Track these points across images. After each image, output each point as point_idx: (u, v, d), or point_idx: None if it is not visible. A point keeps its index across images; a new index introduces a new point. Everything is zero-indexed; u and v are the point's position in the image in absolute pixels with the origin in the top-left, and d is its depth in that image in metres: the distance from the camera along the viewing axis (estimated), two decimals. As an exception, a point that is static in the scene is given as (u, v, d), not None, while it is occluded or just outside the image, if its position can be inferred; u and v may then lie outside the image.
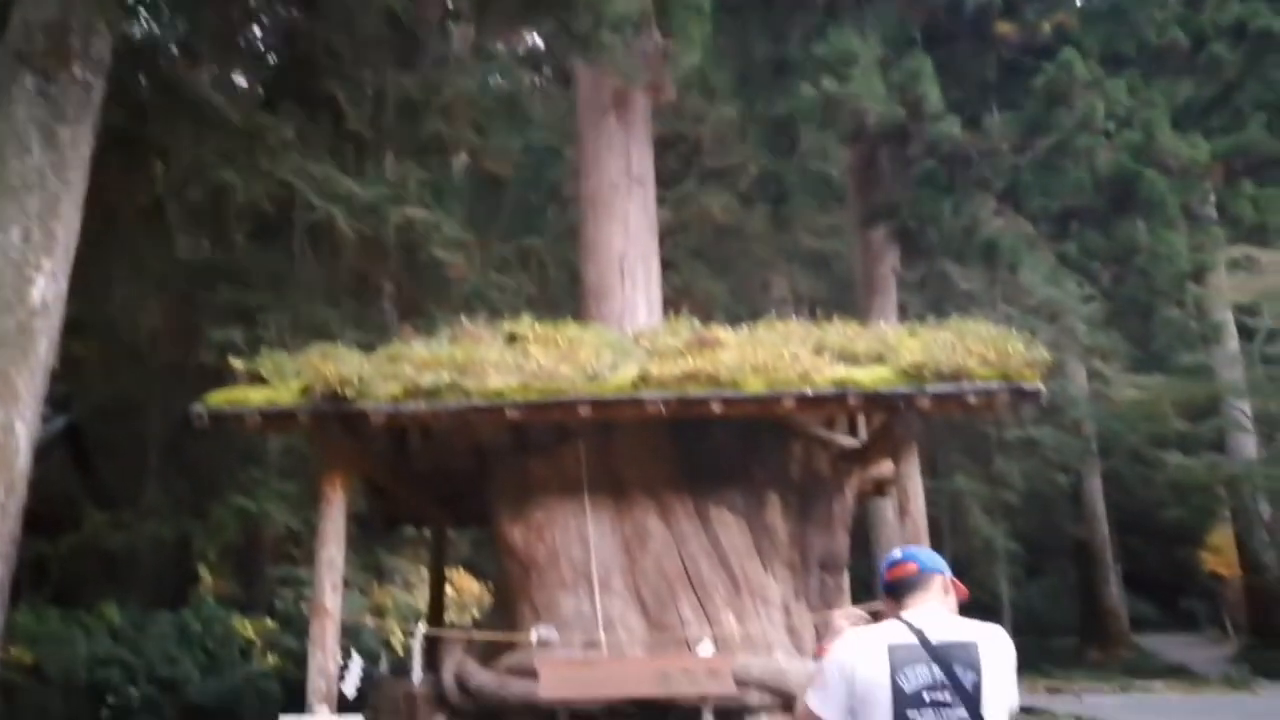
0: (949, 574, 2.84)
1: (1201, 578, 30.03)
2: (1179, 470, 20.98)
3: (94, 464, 14.34)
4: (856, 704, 2.60)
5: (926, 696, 2.56)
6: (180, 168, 14.48)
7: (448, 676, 6.67)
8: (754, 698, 6.20)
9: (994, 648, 2.62)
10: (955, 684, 2.56)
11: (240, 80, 15.38)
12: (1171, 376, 22.20)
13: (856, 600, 8.16)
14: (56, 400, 12.23)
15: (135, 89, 12.48)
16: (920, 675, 2.57)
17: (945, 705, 2.55)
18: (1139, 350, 24.45)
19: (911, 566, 2.81)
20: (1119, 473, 25.42)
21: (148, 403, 13.67)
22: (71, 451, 13.94)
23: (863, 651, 2.60)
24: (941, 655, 2.59)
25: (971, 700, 2.56)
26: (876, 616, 2.87)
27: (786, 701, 6.31)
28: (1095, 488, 24.87)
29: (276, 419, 6.17)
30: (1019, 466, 21.59)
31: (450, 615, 11.82)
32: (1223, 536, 25.71)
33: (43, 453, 9.27)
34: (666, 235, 14.30)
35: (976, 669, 2.58)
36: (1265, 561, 21.11)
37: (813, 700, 2.65)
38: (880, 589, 2.83)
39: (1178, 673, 21.09)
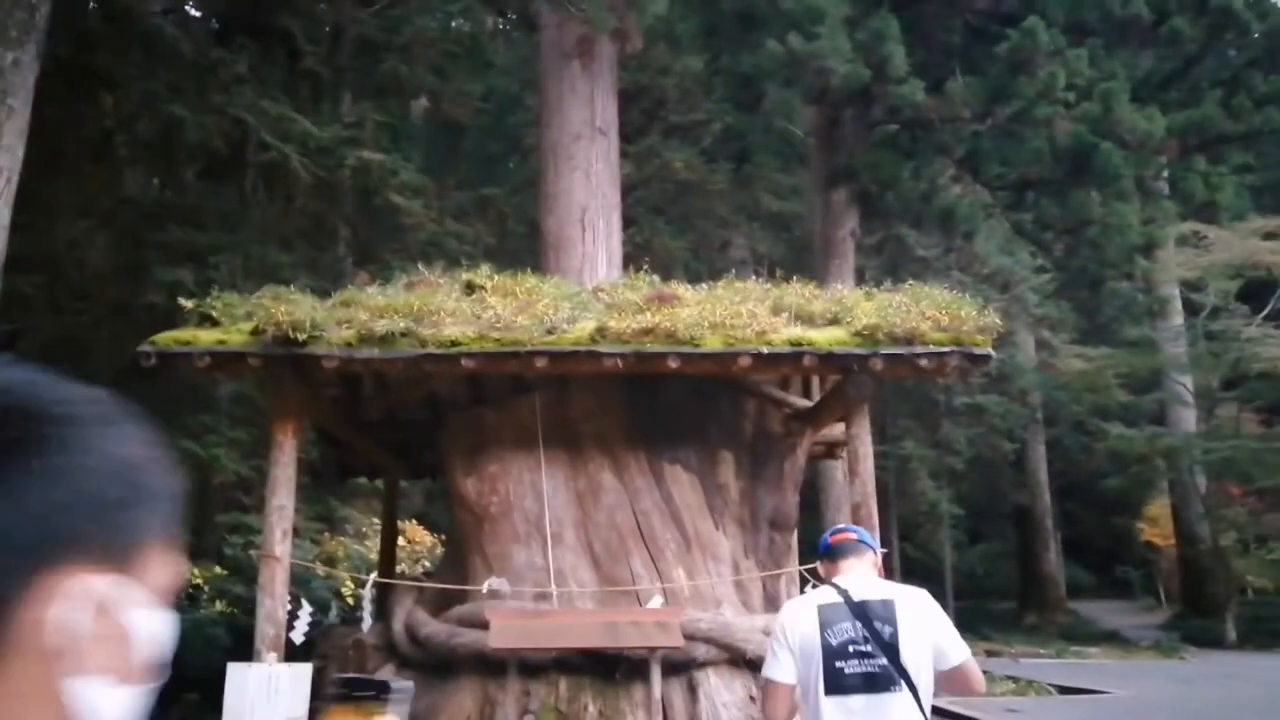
0: (879, 554, 3.29)
1: (1137, 547, 30.99)
2: (1120, 441, 21.52)
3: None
4: (798, 659, 2.95)
5: (850, 649, 2.93)
6: (129, 101, 14.03)
7: (398, 625, 6.68)
8: (701, 651, 6.29)
9: (911, 605, 2.97)
10: (875, 636, 2.91)
11: (192, 11, 14.87)
12: (1117, 349, 22.67)
13: (804, 560, 8.31)
14: (1, 338, 11.90)
15: (83, 16, 12.03)
16: (844, 630, 2.95)
17: (867, 655, 2.90)
18: (1086, 322, 24.92)
19: (851, 536, 3.22)
20: (1062, 442, 26.05)
21: (94, 343, 13.36)
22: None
23: (798, 613, 3.03)
24: (862, 612, 2.95)
25: (890, 649, 2.89)
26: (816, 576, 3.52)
27: (734, 656, 6.42)
28: (1039, 455, 25.48)
29: (226, 360, 6.06)
30: (965, 433, 22.02)
31: (402, 566, 11.80)
32: (1159, 508, 26.51)
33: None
34: (628, 190, 14.20)
35: (893, 623, 2.91)
36: (1199, 533, 21.81)
37: (769, 672, 3.02)
38: (820, 551, 3.26)
39: (1112, 638, 21.83)
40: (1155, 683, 13.38)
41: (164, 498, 0.65)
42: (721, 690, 6.33)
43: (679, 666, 6.22)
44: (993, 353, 6.21)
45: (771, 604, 7.37)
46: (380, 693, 1.31)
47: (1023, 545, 26.74)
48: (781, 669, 2.99)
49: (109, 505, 0.61)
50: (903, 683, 2.90)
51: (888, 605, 2.97)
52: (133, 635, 0.60)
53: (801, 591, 8.02)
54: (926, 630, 2.96)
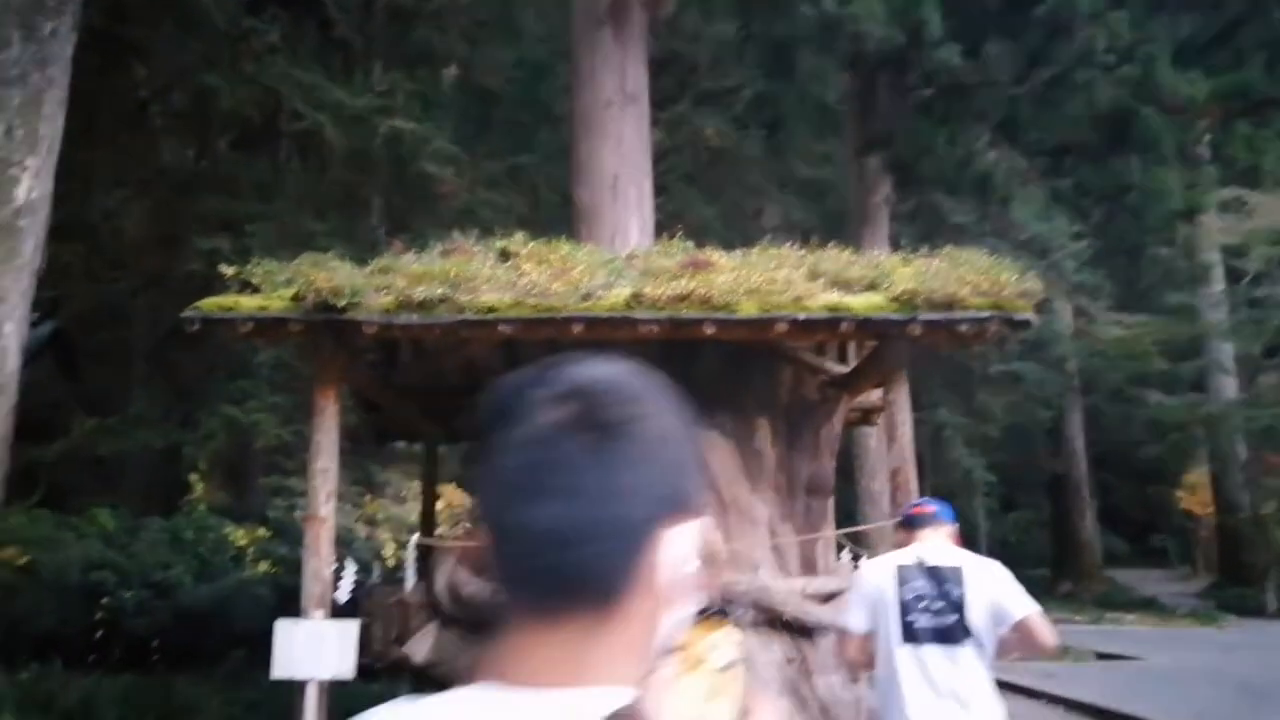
0: (954, 526, 3.67)
1: (1174, 515, 30.68)
2: (1159, 409, 21.28)
3: (81, 371, 14.33)
4: (874, 610, 3.46)
5: (922, 604, 3.40)
6: (163, 71, 14.16)
7: (440, 585, 6.80)
8: (738, 613, 6.36)
9: (979, 571, 3.39)
10: (944, 595, 3.32)
11: (226, -19, 14.90)
12: (1156, 316, 22.35)
13: (839, 525, 8.35)
14: (43, 305, 12.15)
15: (116, -14, 12.11)
16: (917, 588, 3.42)
17: (937, 611, 3.32)
18: (1125, 289, 24.56)
19: (929, 509, 3.70)
20: (1099, 410, 25.77)
21: (133, 311, 13.60)
22: (58, 358, 13.91)
23: (877, 571, 3.59)
24: (934, 573, 3.42)
25: (958, 608, 3.29)
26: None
27: (771, 618, 6.48)
28: (1075, 423, 25.24)
29: (268, 326, 6.15)
30: (1001, 401, 21.87)
31: (442, 528, 11.99)
32: (1198, 476, 26.22)
33: (30, 358, 9.25)
34: (659, 159, 14.14)
35: (961, 585, 3.34)
36: (1238, 501, 21.57)
37: (845, 622, 3.58)
38: (900, 520, 3.86)
39: (1148, 606, 21.72)
40: (1193, 650, 13.33)
41: (700, 460, 0.81)
42: (760, 652, 6.39)
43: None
44: (1034, 318, 6.16)
45: (808, 568, 7.43)
46: (722, 611, 1.53)
47: (1058, 513, 26.58)
48: (856, 619, 3.50)
49: (688, 467, 0.78)
50: (969, 639, 3.26)
51: (957, 570, 3.37)
52: (694, 571, 0.76)
53: (838, 558, 8.07)
54: (991, 594, 3.31)
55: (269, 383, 12.14)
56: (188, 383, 13.22)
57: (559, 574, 0.74)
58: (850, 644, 3.57)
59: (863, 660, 3.58)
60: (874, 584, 3.53)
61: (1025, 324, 6.12)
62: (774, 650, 6.44)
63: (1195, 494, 26.94)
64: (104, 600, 10.40)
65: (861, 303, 6.11)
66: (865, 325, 6.09)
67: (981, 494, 22.32)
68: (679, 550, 0.77)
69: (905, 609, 3.43)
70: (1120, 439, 27.34)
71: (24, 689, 7.77)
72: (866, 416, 9.82)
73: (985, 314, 5.99)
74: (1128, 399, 23.80)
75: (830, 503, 7.99)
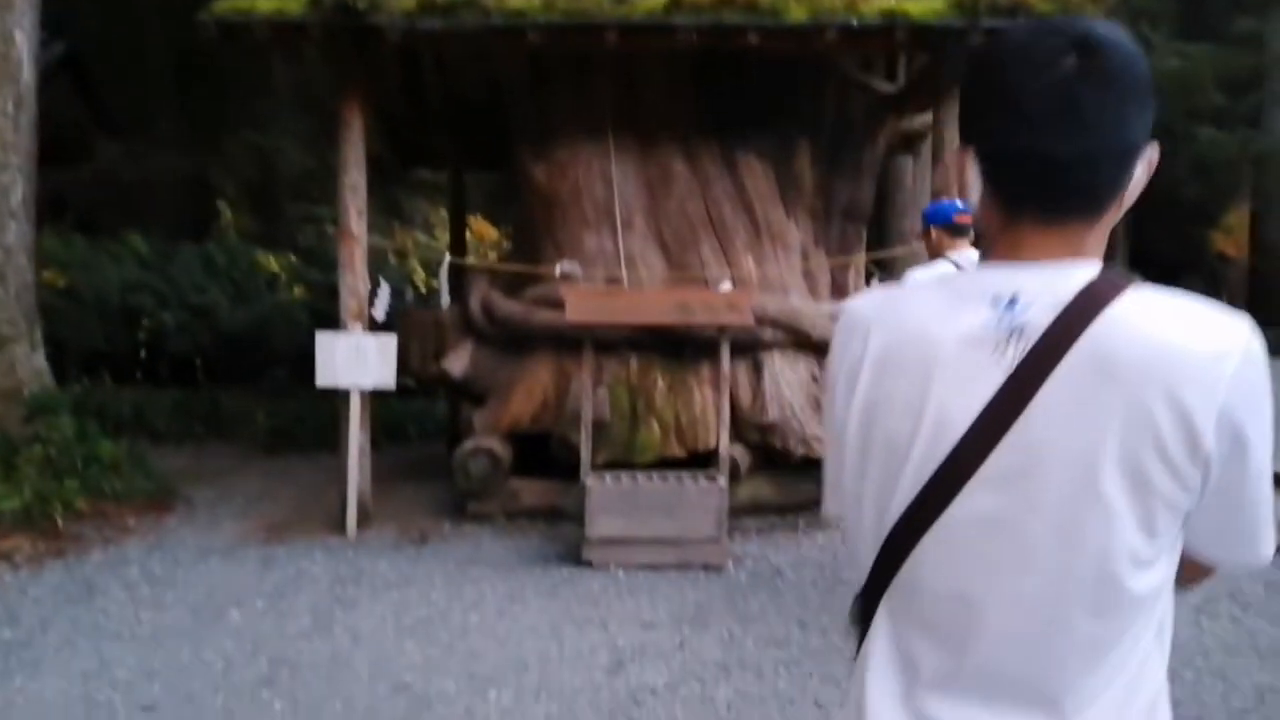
0: None
1: (1208, 258, 30.34)
2: (1208, 145, 20.45)
3: (100, 93, 13.93)
4: None
5: None
6: None
7: (474, 305, 6.87)
8: (768, 334, 6.42)
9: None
10: None
11: None
12: (1220, 45, 20.95)
13: (871, 249, 8.25)
14: (55, 24, 11.61)
15: None
16: None
17: None
18: (1190, 14, 22.90)
19: (970, 217, 4.00)
20: (1143, 148, 24.81)
21: (148, 30, 13.01)
22: (76, 79, 13.49)
23: (927, 276, 3.75)
24: None
25: None
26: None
27: (799, 339, 6.54)
28: (1117, 162, 24.43)
29: (285, 30, 5.82)
30: (1044, 136, 21.04)
31: (470, 258, 12.05)
32: (1237, 217, 25.65)
33: (46, 78, 8.94)
34: None
35: None
36: (1276, 243, 21.22)
37: None
38: (941, 223, 4.27)
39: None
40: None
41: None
42: (786, 370, 6.52)
43: (745, 347, 6.38)
44: (1102, 24, 5.71)
45: (839, 293, 7.42)
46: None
47: (1088, 255, 26.36)
48: None
49: (1152, 104, 0.97)
50: None
51: None
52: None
53: (867, 283, 8.04)
54: None
55: (290, 105, 11.79)
56: (209, 104, 12.85)
57: (1074, 190, 0.98)
58: None
59: None
60: None
61: (1094, 32, 5.67)
62: (799, 370, 6.56)
63: (1232, 235, 26.50)
64: (145, 322, 10.67)
65: (919, 8, 5.67)
66: (922, 33, 5.68)
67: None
68: (1141, 171, 1.00)
69: None
70: (1163, 178, 26.43)
71: (77, 399, 8.13)
72: (908, 143, 9.46)
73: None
74: (1176, 135, 22.84)
75: (864, 228, 7.86)
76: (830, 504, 1.18)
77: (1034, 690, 0.96)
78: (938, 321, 1.00)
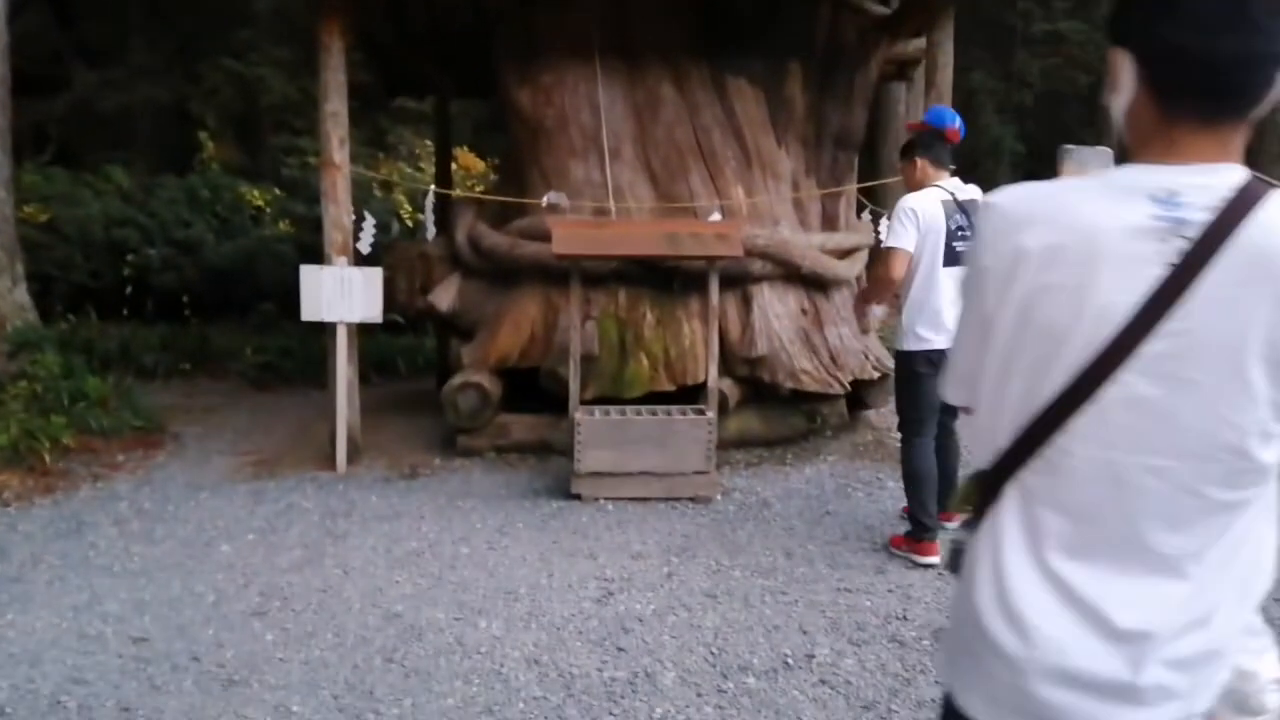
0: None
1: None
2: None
3: (75, 21, 13.55)
4: (923, 235, 4.22)
5: (960, 233, 4.24)
6: None
7: (460, 237, 6.78)
8: (757, 266, 6.35)
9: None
10: (974, 226, 4.44)
11: None
12: None
13: (862, 178, 8.14)
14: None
15: None
16: (957, 219, 4.27)
17: (970, 239, 4.07)
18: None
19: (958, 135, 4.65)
20: (1141, 75, 24.49)
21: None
22: (52, 7, 13.11)
23: (928, 201, 4.27)
24: (965, 208, 4.27)
25: None
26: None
27: (789, 271, 6.48)
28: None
29: (261, -46, 5.63)
30: (1040, 64, 20.70)
31: (457, 190, 11.90)
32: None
33: (20, 5, 8.67)
34: None
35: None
36: (1269, 148, 21.08)
37: (897, 242, 4.22)
38: (933, 155, 4.44)
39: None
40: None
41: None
42: (775, 303, 6.47)
43: (734, 280, 6.32)
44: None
45: (829, 223, 7.34)
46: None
47: (1081, 185, 26.18)
48: (909, 240, 4.19)
49: None
50: None
51: (976, 203, 4.03)
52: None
53: (859, 215, 7.95)
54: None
55: (270, 33, 11.49)
56: (187, 33, 12.51)
57: (1234, 91, 1.05)
58: (900, 261, 4.20)
59: (905, 278, 4.26)
60: (926, 211, 4.22)
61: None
62: (789, 302, 6.52)
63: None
64: (129, 257, 10.55)
65: (913, -73, 5.49)
66: (915, -48, 5.51)
67: (1008, 164, 21.79)
68: None
69: (950, 236, 4.22)
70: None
71: (63, 336, 8.06)
72: (901, 70, 9.27)
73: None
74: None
75: (856, 156, 7.74)
76: (956, 392, 1.29)
77: (1160, 555, 1.09)
78: (1103, 216, 1.07)
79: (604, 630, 3.65)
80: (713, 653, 3.45)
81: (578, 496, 5.35)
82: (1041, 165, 30.84)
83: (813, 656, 3.42)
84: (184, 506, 5.31)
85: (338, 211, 6.10)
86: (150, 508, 5.28)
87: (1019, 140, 21.73)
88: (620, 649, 3.48)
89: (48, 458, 5.96)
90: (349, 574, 4.26)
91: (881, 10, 7.27)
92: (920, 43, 7.35)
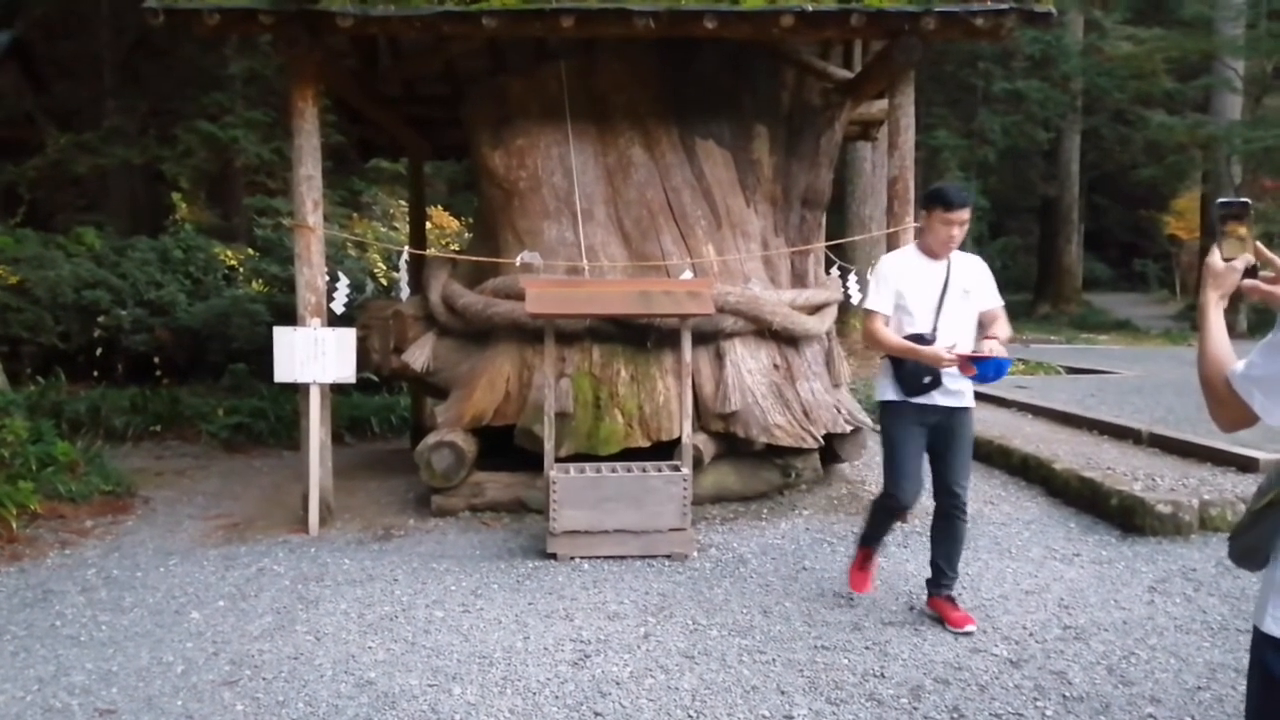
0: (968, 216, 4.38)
1: (1160, 241, 30.85)
2: (1160, 129, 20.75)
3: (48, 83, 13.61)
4: (900, 297, 4.25)
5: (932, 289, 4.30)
6: None
7: (434, 296, 6.81)
8: (729, 323, 6.43)
9: (971, 266, 4.37)
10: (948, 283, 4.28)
11: None
12: (1170, 30, 21.26)
13: (830, 236, 8.28)
14: (1, 12, 11.32)
15: None
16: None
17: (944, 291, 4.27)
18: (1142, 0, 23.23)
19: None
20: (1099, 132, 25.19)
21: (95, 18, 12.72)
22: (22, 69, 13.17)
23: (902, 262, 4.36)
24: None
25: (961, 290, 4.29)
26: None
27: (760, 327, 6.56)
28: (1073, 146, 24.76)
29: (236, 19, 5.71)
30: (1001, 120, 21.26)
31: (431, 249, 11.97)
32: (1188, 200, 26.13)
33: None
34: None
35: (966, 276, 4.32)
36: (1225, 224, 21.59)
37: (872, 303, 4.27)
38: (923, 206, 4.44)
39: (1122, 327, 22.35)
40: (1161, 365, 13.81)
41: None
42: (747, 359, 6.54)
43: (707, 336, 6.39)
44: (1054, 10, 5.77)
45: (799, 280, 7.44)
46: (1246, 210, 1.77)
47: (1045, 238, 26.73)
48: (883, 300, 4.26)
49: None
50: (970, 305, 4.26)
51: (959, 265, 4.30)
52: None
53: (827, 271, 8.07)
54: (979, 280, 4.33)
55: (243, 96, 11.59)
56: (161, 96, 12.60)
57: None
58: (878, 320, 4.25)
59: (887, 333, 4.27)
60: (896, 273, 4.30)
61: (1046, 17, 5.74)
62: (760, 358, 6.58)
63: (1183, 219, 26.97)
64: (100, 319, 10.48)
65: (874, -5, 5.68)
66: (877, 18, 5.70)
67: (972, 219, 22.26)
68: None
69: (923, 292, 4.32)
70: (1116, 163, 26.93)
71: (31, 400, 7.97)
72: (865, 130, 9.52)
73: (1004, 5, 5.60)
74: (1129, 120, 23.19)
75: (823, 215, 7.89)
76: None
77: None
78: None
79: (580, 695, 3.61)
80: (690, 715, 3.43)
81: (553, 555, 5.33)
82: (1007, 219, 31.42)
83: (791, 718, 3.41)
84: (153, 573, 5.22)
85: (311, 274, 6.12)
86: (119, 575, 5.19)
87: (983, 195, 22.21)
88: (597, 714, 3.45)
89: (14, 524, 5.86)
90: (321, 640, 4.21)
91: (845, 74, 7.48)
92: (883, 103, 7.56)
